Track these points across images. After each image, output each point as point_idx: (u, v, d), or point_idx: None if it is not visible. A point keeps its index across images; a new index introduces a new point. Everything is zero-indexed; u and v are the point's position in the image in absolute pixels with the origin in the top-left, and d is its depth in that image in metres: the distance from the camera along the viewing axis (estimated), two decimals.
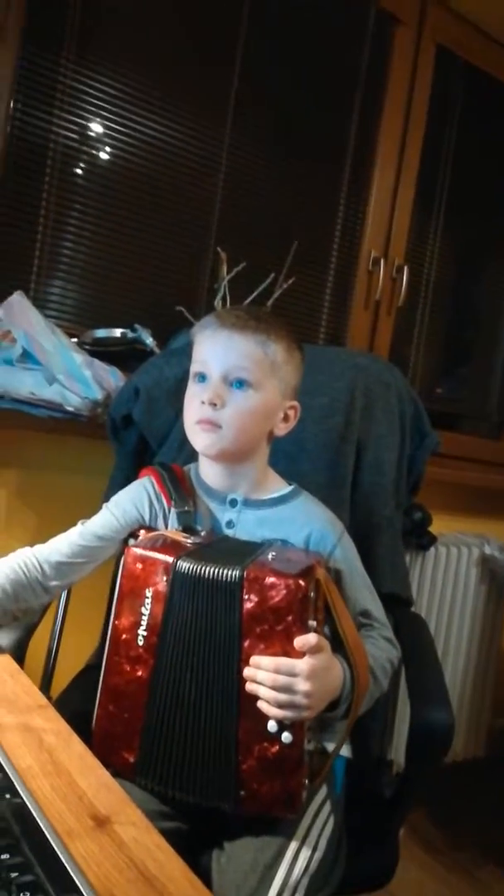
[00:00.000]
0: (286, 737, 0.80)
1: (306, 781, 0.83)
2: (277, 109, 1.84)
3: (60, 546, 0.96)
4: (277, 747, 0.80)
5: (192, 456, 1.24)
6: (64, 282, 1.60)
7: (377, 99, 1.95)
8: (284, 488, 1.01)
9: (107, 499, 1.28)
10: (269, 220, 1.85)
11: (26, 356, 1.36)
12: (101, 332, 1.54)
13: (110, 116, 1.60)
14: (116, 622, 0.85)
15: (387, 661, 0.95)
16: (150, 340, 1.54)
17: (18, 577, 0.92)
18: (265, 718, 0.80)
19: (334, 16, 1.87)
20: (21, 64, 1.46)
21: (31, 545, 0.98)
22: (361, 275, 1.97)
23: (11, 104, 1.46)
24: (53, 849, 0.52)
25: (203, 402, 0.92)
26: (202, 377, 0.94)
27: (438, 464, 1.88)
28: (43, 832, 0.54)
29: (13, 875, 0.48)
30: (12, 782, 0.60)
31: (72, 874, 0.50)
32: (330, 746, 0.91)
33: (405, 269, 1.99)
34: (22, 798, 0.58)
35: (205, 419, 0.92)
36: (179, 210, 1.72)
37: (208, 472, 1.00)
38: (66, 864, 0.51)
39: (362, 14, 1.90)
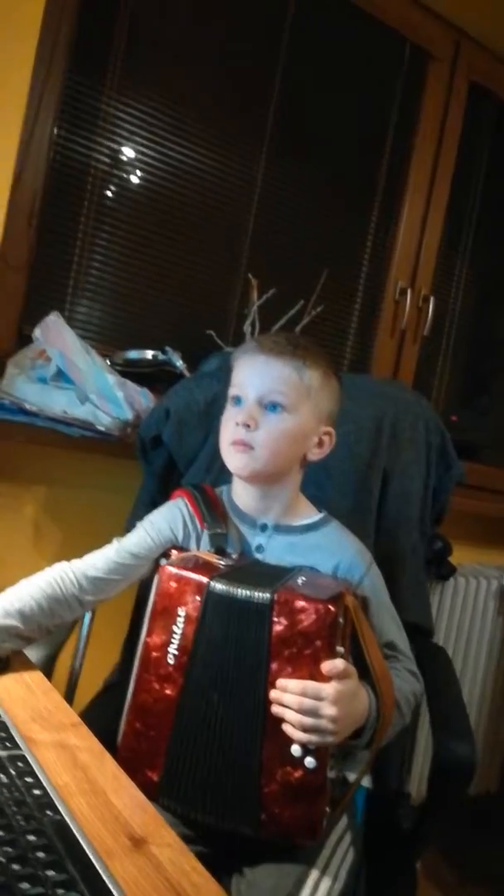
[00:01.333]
0: (310, 762, 0.80)
1: (328, 809, 0.83)
2: (311, 140, 1.87)
3: (96, 562, 0.97)
4: (301, 772, 0.81)
5: (219, 478, 1.26)
6: (97, 303, 1.63)
7: (409, 132, 1.99)
8: (315, 515, 1.02)
9: (133, 517, 1.30)
10: (299, 248, 1.88)
11: (60, 375, 1.38)
12: (132, 354, 1.56)
13: (148, 143, 1.64)
14: (148, 640, 0.86)
15: (410, 693, 0.95)
16: (179, 363, 1.57)
17: (55, 592, 0.93)
18: (290, 742, 0.80)
19: (370, 51, 1.91)
20: (65, 92, 1.51)
21: (58, 560, 0.99)
22: (388, 304, 1.99)
23: (55, 131, 1.50)
24: (96, 868, 0.53)
25: (237, 424, 0.94)
26: (238, 400, 0.96)
27: (459, 494, 1.88)
28: (84, 850, 0.55)
29: (60, 892, 0.49)
30: (52, 799, 0.61)
31: (114, 894, 0.51)
32: (351, 776, 0.91)
33: (431, 299, 2.02)
34: (62, 815, 0.59)
35: (238, 440, 0.94)
36: (212, 236, 1.75)
37: (241, 494, 1.02)
38: (108, 884, 0.52)
39: (397, 50, 1.94)
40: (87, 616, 1.30)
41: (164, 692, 0.85)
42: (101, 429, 1.37)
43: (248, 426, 0.93)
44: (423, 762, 1.81)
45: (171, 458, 1.35)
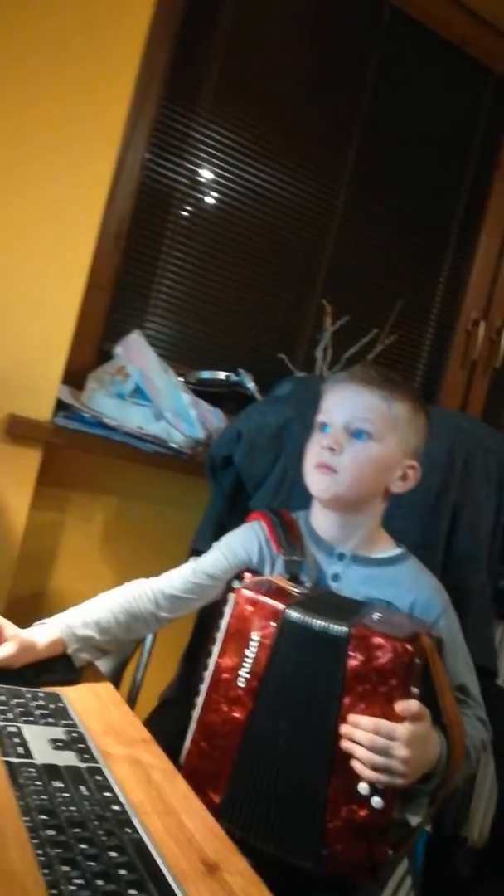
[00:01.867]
0: (377, 801, 0.79)
1: (390, 851, 0.82)
2: (392, 171, 1.88)
3: (174, 580, 0.99)
4: (366, 811, 0.80)
5: (287, 502, 1.27)
6: (174, 322, 1.67)
7: (490, 164, 1.98)
8: (394, 550, 1.02)
9: (200, 534, 1.32)
10: (375, 277, 1.88)
11: (137, 392, 1.42)
12: (206, 374, 1.59)
13: (232, 169, 1.68)
14: (220, 661, 0.87)
15: (479, 741, 0.93)
16: (251, 385, 1.59)
17: (132, 608, 0.95)
18: (357, 780, 0.80)
19: (453, 82, 1.92)
20: (157, 118, 1.56)
21: (124, 569, 1.00)
22: (460, 335, 1.98)
23: (145, 156, 1.55)
24: (174, 891, 0.54)
25: (323, 447, 0.95)
26: (325, 427, 0.98)
27: None
28: (163, 872, 0.56)
29: None
30: (129, 817, 0.62)
31: None
32: (413, 819, 0.89)
33: None
34: (140, 834, 0.60)
35: (323, 463, 0.95)
36: (289, 262, 1.77)
37: (320, 520, 1.02)
38: None
39: (481, 82, 1.94)
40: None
41: (232, 714, 0.85)
42: (174, 446, 1.40)
43: (333, 450, 0.94)
44: (480, 807, 1.76)
45: (240, 479, 1.36)
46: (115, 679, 1.04)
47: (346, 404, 0.96)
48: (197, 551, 1.13)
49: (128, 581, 1.00)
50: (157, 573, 1.02)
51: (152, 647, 1.31)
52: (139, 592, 0.97)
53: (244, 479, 1.36)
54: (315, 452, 0.97)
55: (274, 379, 1.62)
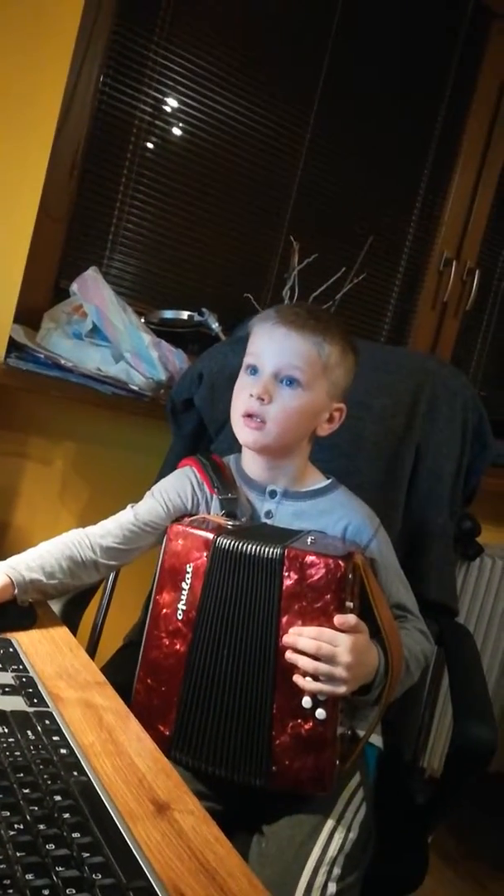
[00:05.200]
0: (320, 713, 0.81)
1: (337, 762, 0.84)
2: (364, 101, 1.80)
3: (112, 529, 0.98)
4: (311, 724, 0.82)
5: None
6: (135, 259, 1.60)
7: (466, 95, 1.90)
8: (322, 481, 1.03)
9: (161, 478, 1.30)
10: (344, 213, 1.82)
11: (95, 332, 1.37)
12: (168, 313, 1.54)
13: (194, 96, 1.59)
14: (157, 597, 0.88)
15: (420, 653, 0.96)
16: (215, 325, 1.54)
17: (73, 554, 0.94)
18: (300, 694, 0.82)
19: (428, 6, 1.83)
20: (112, 39, 1.46)
21: (83, 516, 0.99)
22: (431, 275, 1.94)
23: (101, 79, 1.46)
24: (120, 832, 0.53)
25: (251, 395, 0.93)
26: (254, 370, 0.96)
27: (490, 473, 1.85)
28: (109, 813, 0.55)
29: (85, 855, 0.49)
30: (78, 759, 0.61)
31: (138, 860, 0.51)
32: (361, 732, 0.91)
33: (476, 272, 1.96)
34: (87, 776, 0.59)
35: (251, 411, 0.93)
36: (255, 196, 1.70)
37: (250, 464, 1.02)
38: (132, 849, 0.52)
39: (459, 7, 1.85)
40: (111, 577, 1.31)
41: (174, 647, 0.86)
42: (134, 388, 1.36)
43: (263, 400, 0.93)
44: (437, 737, 1.82)
45: (202, 421, 1.34)
46: (73, 622, 1.03)
47: (275, 349, 0.94)
48: None
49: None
50: None
51: (113, 589, 1.30)
52: (79, 541, 0.96)
53: (206, 421, 1.33)
54: (243, 399, 0.95)
55: (240, 319, 1.58)
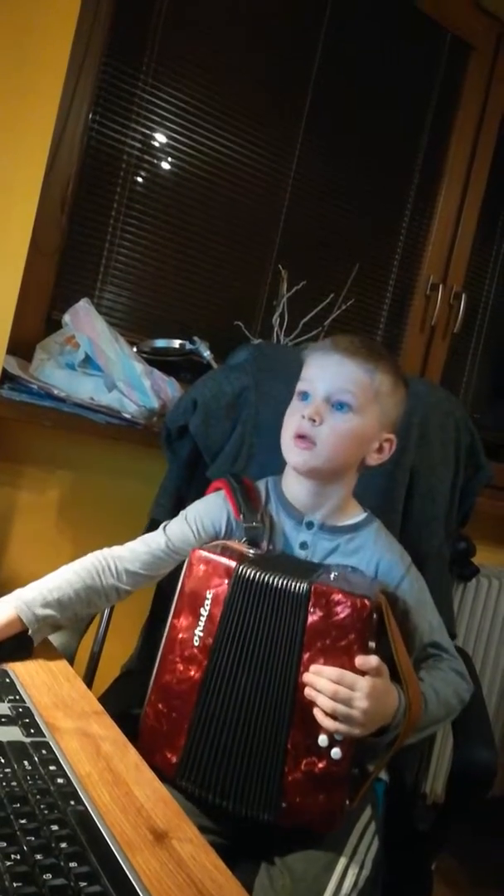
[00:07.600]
0: (335, 752, 0.81)
1: (347, 801, 0.83)
2: (347, 133, 1.85)
3: (141, 554, 0.97)
4: (325, 763, 0.81)
5: (246, 469, 1.26)
6: (126, 290, 1.62)
7: (447, 125, 1.95)
8: (360, 514, 1.02)
9: (157, 505, 1.30)
10: (331, 241, 1.86)
11: (88, 362, 1.38)
12: (160, 342, 1.56)
13: (181, 131, 1.62)
14: (175, 621, 0.87)
15: (453, 694, 0.94)
16: (207, 353, 1.56)
17: (94, 582, 0.93)
18: (316, 732, 0.81)
19: (409, 42, 1.88)
20: (101, 77, 1.49)
21: (79, 545, 0.98)
22: (419, 299, 1.97)
23: (90, 116, 1.49)
24: (118, 861, 0.53)
25: (303, 417, 0.94)
26: (305, 396, 0.97)
27: (483, 494, 1.86)
28: (107, 842, 0.55)
29: (83, 885, 0.49)
30: (75, 789, 0.61)
31: (136, 889, 0.51)
32: (370, 767, 0.90)
33: (463, 296, 1.98)
34: (85, 805, 0.59)
35: (302, 432, 0.93)
36: (243, 226, 1.73)
37: (293, 487, 1.01)
38: (130, 878, 0.51)
39: (437, 41, 1.91)
40: None
41: (188, 673, 0.85)
42: (128, 416, 1.37)
43: (314, 421, 0.93)
44: (438, 763, 1.80)
45: (197, 448, 1.35)
46: (73, 652, 1.02)
47: (328, 375, 0.95)
48: (156, 522, 1.11)
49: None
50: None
51: (110, 617, 1.30)
52: (102, 566, 0.95)
53: (201, 448, 1.34)
54: (294, 421, 0.95)
55: (230, 346, 1.59)
